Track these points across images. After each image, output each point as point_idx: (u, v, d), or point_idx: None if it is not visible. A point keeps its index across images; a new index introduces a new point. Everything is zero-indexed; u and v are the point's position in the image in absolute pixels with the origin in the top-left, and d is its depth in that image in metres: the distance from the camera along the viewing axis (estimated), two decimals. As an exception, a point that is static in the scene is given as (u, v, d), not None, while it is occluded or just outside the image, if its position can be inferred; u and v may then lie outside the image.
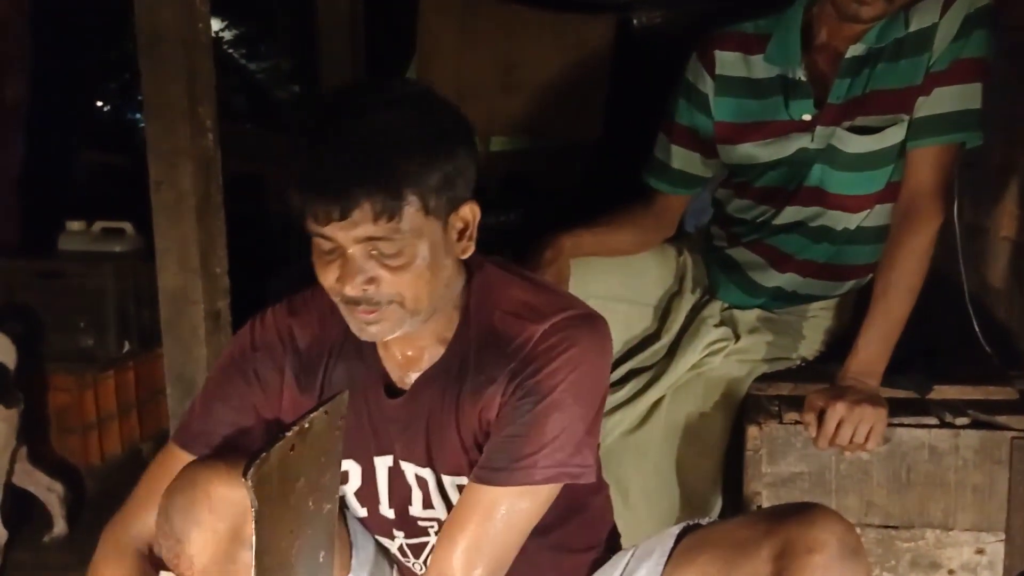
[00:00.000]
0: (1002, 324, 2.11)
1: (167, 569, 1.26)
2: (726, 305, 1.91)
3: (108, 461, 2.85)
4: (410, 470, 1.35)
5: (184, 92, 2.12)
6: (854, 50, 1.71)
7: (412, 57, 3.07)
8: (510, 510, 1.24)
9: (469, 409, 1.28)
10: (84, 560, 2.40)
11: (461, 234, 1.24)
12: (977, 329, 1.91)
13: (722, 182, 1.98)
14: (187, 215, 2.17)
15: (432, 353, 1.31)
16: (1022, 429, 1.67)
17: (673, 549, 1.33)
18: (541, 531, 1.30)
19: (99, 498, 2.77)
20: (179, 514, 1.23)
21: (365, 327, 1.23)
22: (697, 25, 3.09)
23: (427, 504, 1.37)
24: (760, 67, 1.80)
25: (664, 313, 1.91)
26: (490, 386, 1.25)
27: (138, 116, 7.36)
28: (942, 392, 1.77)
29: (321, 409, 1.01)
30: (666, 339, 1.87)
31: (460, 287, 1.30)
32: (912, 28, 1.68)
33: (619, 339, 1.86)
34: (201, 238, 2.18)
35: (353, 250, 1.17)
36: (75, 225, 2.95)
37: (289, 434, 0.96)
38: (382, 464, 1.36)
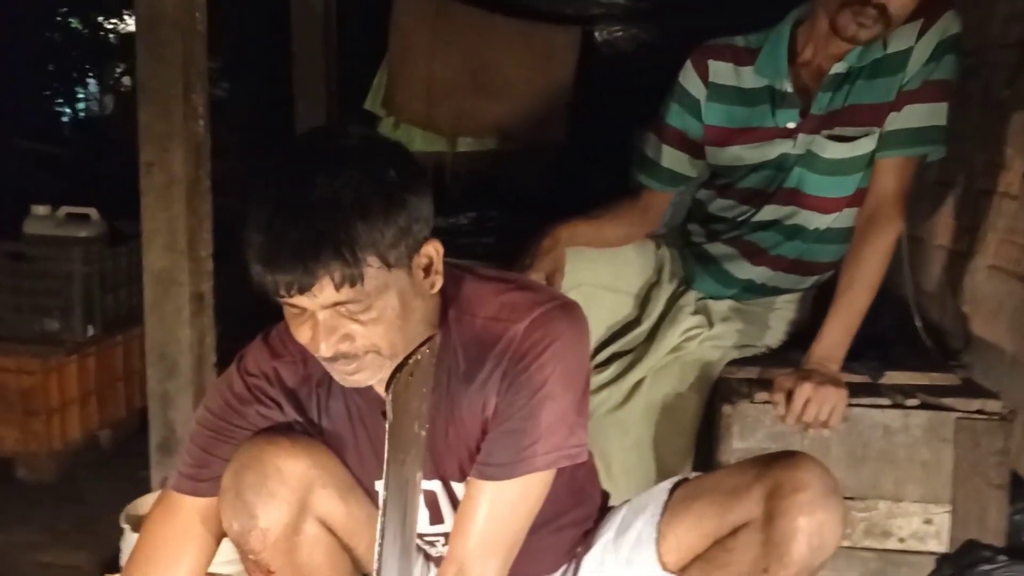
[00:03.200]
0: (936, 324, 2.32)
1: None
2: (701, 295, 2.08)
3: (68, 446, 2.85)
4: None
5: (179, 77, 2.17)
6: (837, 67, 1.90)
7: (383, 56, 3.16)
8: (517, 498, 1.30)
9: (469, 418, 1.32)
10: (56, 539, 2.43)
11: (427, 271, 1.25)
12: (920, 327, 2.11)
13: (703, 184, 2.14)
14: (177, 198, 2.22)
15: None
16: (965, 410, 1.86)
17: (666, 501, 1.45)
18: (542, 519, 1.38)
19: (60, 483, 2.78)
20: (251, 490, 1.29)
21: (347, 378, 1.26)
22: (655, 41, 3.31)
23: (436, 519, 1.43)
24: (749, 78, 1.97)
25: (644, 301, 2.06)
26: (485, 390, 1.30)
27: (66, 108, 7.24)
28: (893, 378, 1.96)
29: (424, 346, 1.12)
30: (646, 325, 2.01)
31: (436, 306, 1.31)
32: (889, 50, 1.87)
33: (604, 324, 2.00)
34: (189, 221, 2.23)
35: (322, 314, 1.19)
36: (40, 209, 2.94)
37: (410, 362, 1.07)
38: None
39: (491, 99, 3.05)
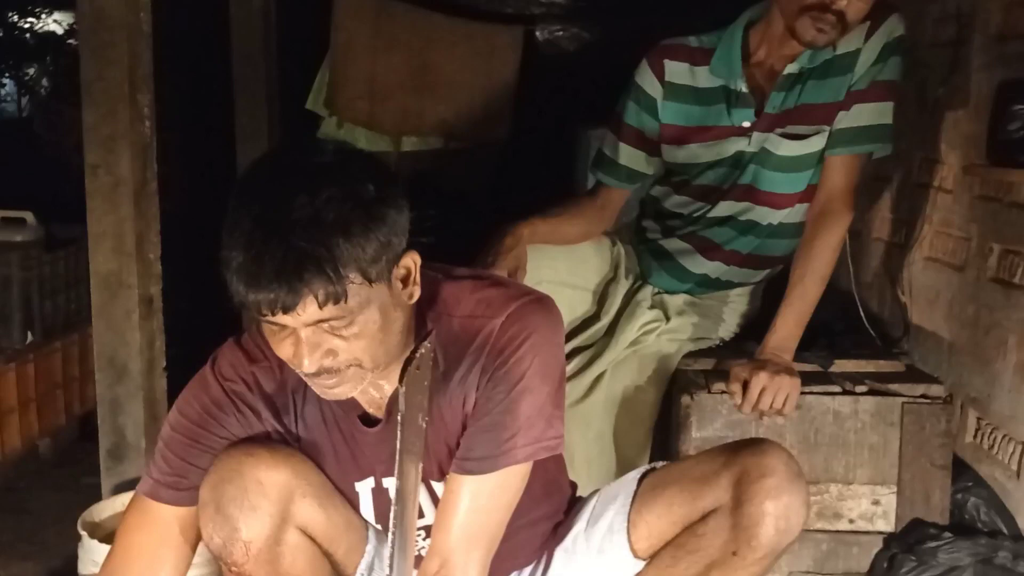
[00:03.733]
0: (876, 314, 2.41)
1: None
2: (657, 290, 2.13)
3: (8, 456, 2.77)
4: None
5: (125, 78, 2.14)
6: (790, 68, 1.96)
7: (324, 55, 3.15)
8: (498, 491, 1.33)
9: (449, 416, 1.34)
10: (0, 550, 2.36)
11: (405, 281, 1.25)
12: (864, 317, 2.20)
13: (658, 180, 2.19)
14: (124, 200, 2.18)
15: (397, 370, 1.33)
16: (910, 396, 1.95)
17: (636, 491, 1.49)
18: (517, 512, 1.39)
19: (1, 493, 2.71)
20: (232, 503, 1.28)
21: (328, 391, 1.26)
22: (596, 40, 3.37)
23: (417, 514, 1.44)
24: (705, 77, 2.02)
25: (602, 297, 2.11)
26: (465, 386, 1.32)
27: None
28: (841, 366, 2.04)
29: (425, 342, 1.14)
30: (605, 320, 2.06)
31: (413, 311, 1.31)
32: (839, 51, 1.94)
33: (564, 320, 2.01)
34: (137, 223, 2.20)
35: (304, 331, 1.19)
36: (-28, 214, 2.86)
37: (416, 356, 1.09)
38: (364, 488, 1.44)
39: (434, 99, 3.06)
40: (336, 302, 1.15)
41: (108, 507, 2.05)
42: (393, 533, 1.12)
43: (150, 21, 2.21)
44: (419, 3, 3.11)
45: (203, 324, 2.91)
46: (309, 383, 1.27)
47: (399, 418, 1.08)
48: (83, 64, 2.15)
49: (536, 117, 3.21)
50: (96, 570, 1.55)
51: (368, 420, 1.38)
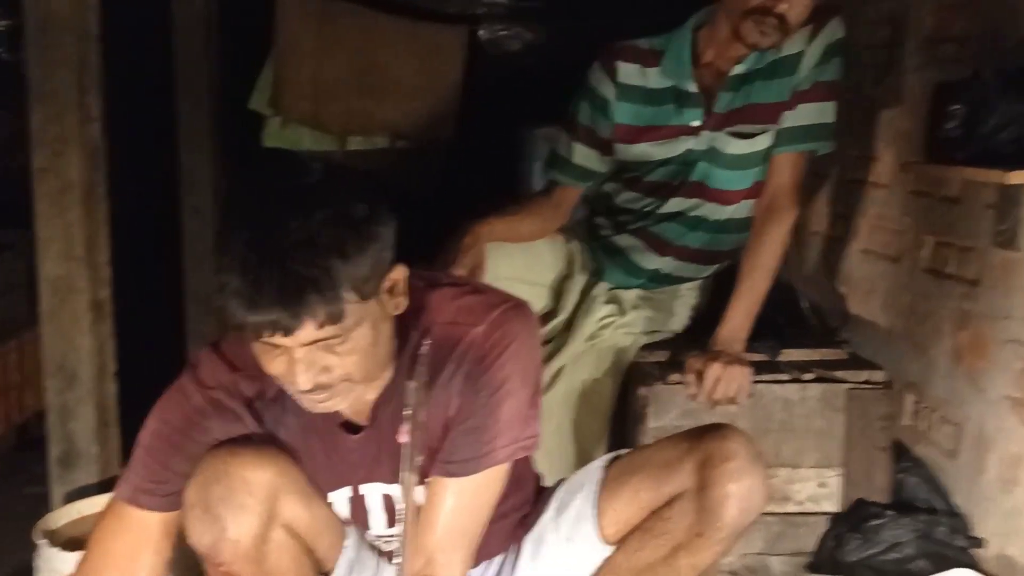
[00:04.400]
0: (816, 304, 2.51)
1: None
2: (611, 286, 2.19)
3: (-55, 465, 2.71)
4: (375, 491, 1.45)
5: (74, 81, 2.10)
6: (737, 69, 2.04)
7: (267, 54, 3.13)
8: (479, 491, 1.37)
9: (432, 421, 1.35)
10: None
11: (391, 293, 1.27)
12: (806, 307, 2.29)
13: (610, 177, 2.24)
14: (73, 204, 2.15)
15: (381, 377, 1.36)
16: (854, 382, 2.04)
17: (602, 478, 1.53)
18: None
19: (-60, 504, 2.64)
20: (221, 503, 1.29)
21: (318, 405, 1.28)
22: (539, 40, 3.42)
23: (392, 522, 1.46)
24: (655, 78, 2.09)
25: (558, 293, 2.16)
26: (448, 392, 1.34)
27: None
28: (789, 355, 2.12)
29: (425, 340, 1.17)
30: (563, 316, 2.12)
31: (395, 320, 1.33)
32: (784, 53, 2.02)
33: (525, 317, 2.07)
34: (87, 227, 2.17)
35: (300, 351, 1.20)
36: (-97, 219, 2.79)
37: (420, 354, 1.14)
38: (338, 497, 1.46)
39: (380, 98, 3.07)
40: (334, 322, 1.17)
41: (64, 515, 2.02)
42: (404, 524, 1.14)
43: (98, 22, 2.18)
44: (363, 3, 3.12)
45: (150, 328, 2.88)
46: (299, 398, 1.28)
47: (410, 412, 1.11)
48: (30, 66, 2.11)
49: (481, 116, 3.24)
50: (57, 579, 1.53)
51: (350, 427, 1.40)
